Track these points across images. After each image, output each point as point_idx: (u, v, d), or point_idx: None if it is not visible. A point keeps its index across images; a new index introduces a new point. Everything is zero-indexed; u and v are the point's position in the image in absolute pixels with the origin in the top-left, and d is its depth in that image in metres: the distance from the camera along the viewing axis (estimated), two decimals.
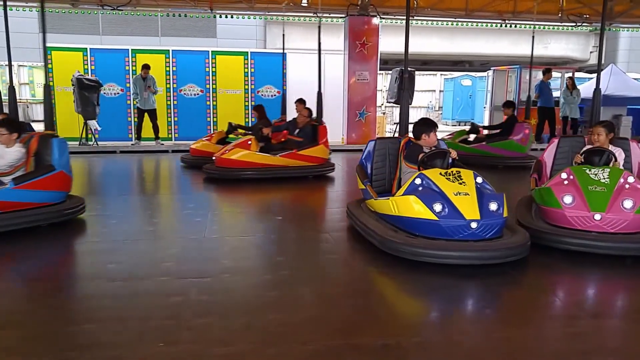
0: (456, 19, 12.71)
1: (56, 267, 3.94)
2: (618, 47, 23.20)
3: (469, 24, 15.27)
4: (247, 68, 12.15)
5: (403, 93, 6.29)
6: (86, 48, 11.69)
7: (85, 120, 10.69)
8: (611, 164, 4.45)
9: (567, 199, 4.06)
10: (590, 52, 24.29)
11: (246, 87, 12.21)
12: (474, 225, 3.67)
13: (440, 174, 4.02)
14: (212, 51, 12.18)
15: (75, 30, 18.95)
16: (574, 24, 12.77)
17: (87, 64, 11.58)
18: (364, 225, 4.27)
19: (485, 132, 9.50)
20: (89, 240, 4.61)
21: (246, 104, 12.25)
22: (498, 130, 9.29)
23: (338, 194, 6.90)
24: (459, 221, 3.68)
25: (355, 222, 4.55)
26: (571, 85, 12.33)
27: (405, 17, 5.66)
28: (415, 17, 12.02)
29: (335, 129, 12.21)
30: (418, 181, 4.01)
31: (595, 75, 17.61)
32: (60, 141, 4.90)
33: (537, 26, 13.57)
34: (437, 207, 3.71)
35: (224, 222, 5.37)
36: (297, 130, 7.90)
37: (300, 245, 4.41)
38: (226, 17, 12.62)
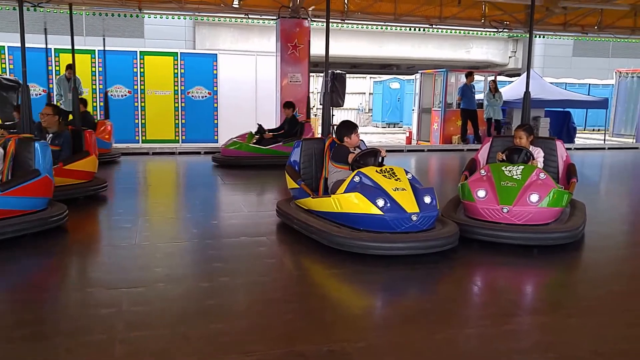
0: (385, 23, 12.98)
1: None
2: (534, 52, 24.82)
3: (397, 28, 15.67)
4: (177, 69, 11.80)
5: (326, 95, 6.37)
6: (4, 46, 10.85)
7: (2, 122, 9.90)
8: (529, 162, 4.79)
9: (481, 193, 4.38)
10: (509, 57, 25.80)
11: (176, 88, 11.85)
12: (414, 217, 3.89)
13: (377, 171, 4.20)
14: (140, 51, 11.72)
15: None
16: (495, 30, 13.44)
17: (5, 63, 10.74)
18: (304, 223, 4.33)
19: (271, 134, 9.33)
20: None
21: (176, 105, 11.89)
22: (281, 132, 9.31)
23: (268, 196, 6.80)
24: (401, 214, 3.89)
25: (292, 221, 4.57)
26: (494, 88, 12.99)
27: (334, 21, 5.72)
28: (345, 21, 12.16)
29: None
30: (357, 179, 4.15)
31: (515, 78, 18.64)
32: (43, 144, 4.69)
33: (460, 31, 14.21)
34: (380, 202, 3.90)
35: (155, 228, 5.13)
36: (49, 136, 5.91)
37: (236, 250, 4.29)
38: (155, 17, 12.14)
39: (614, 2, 11.33)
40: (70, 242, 4.51)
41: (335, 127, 5.03)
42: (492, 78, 13.49)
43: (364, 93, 25.51)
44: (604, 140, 16.00)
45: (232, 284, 3.47)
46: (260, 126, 9.28)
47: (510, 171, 4.54)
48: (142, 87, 11.69)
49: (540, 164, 4.96)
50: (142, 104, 11.75)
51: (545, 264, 4.04)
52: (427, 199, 4.01)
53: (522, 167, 4.60)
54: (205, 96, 11.80)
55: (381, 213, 3.87)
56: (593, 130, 21.40)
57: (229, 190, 7.34)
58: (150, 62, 11.71)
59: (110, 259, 4.01)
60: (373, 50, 23.12)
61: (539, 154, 5.07)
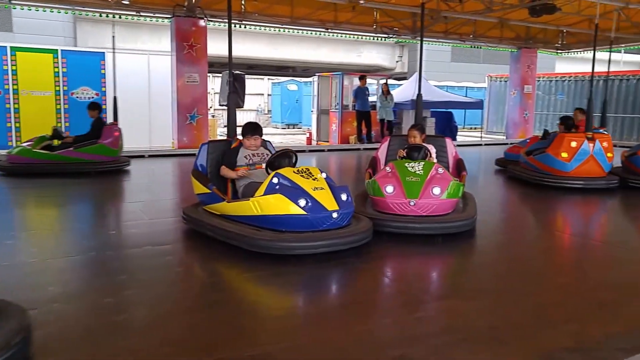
0: (282, 26, 13.05)
1: None
2: (417, 57, 26.44)
3: (293, 31, 15.85)
4: (59, 67, 10.83)
5: (230, 95, 6.33)
6: None
7: None
8: (427, 158, 5.16)
9: (389, 189, 4.62)
10: (396, 61, 27.24)
11: (57, 88, 10.89)
12: (335, 215, 3.98)
13: (294, 172, 4.20)
14: (11, 47, 10.58)
15: None
16: (385, 35, 14.11)
17: None
18: (219, 228, 4.19)
19: (70, 138, 8.23)
20: None
21: (58, 106, 10.94)
22: (87, 135, 8.23)
23: (168, 202, 6.49)
24: (323, 213, 3.94)
25: (204, 227, 4.39)
26: (386, 91, 13.64)
27: (232, 21, 5.66)
28: (243, 22, 12.02)
29: (165, 133, 11.63)
30: (275, 180, 4.11)
31: (402, 82, 19.71)
32: None
33: (353, 36, 14.72)
34: (302, 202, 3.91)
35: (43, 242, 4.66)
36: None
37: (141, 260, 4.02)
38: (29, 9, 11.03)
39: (485, 15, 12.49)
40: None
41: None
42: (384, 81, 14.14)
43: (263, 94, 25.47)
44: (481, 137, 17.61)
45: (140, 297, 3.25)
46: (55, 129, 8.18)
47: (412, 167, 4.84)
48: (15, 86, 10.57)
49: (434, 159, 5.35)
50: (16, 106, 10.62)
51: (447, 251, 4.39)
52: (344, 196, 4.12)
53: (423, 163, 4.93)
54: (92, 97, 10.98)
55: (304, 213, 3.89)
56: (471, 128, 23.49)
57: (123, 198, 6.90)
58: (25, 59, 10.61)
59: None
60: (270, 52, 23.17)
61: (432, 149, 5.47)
